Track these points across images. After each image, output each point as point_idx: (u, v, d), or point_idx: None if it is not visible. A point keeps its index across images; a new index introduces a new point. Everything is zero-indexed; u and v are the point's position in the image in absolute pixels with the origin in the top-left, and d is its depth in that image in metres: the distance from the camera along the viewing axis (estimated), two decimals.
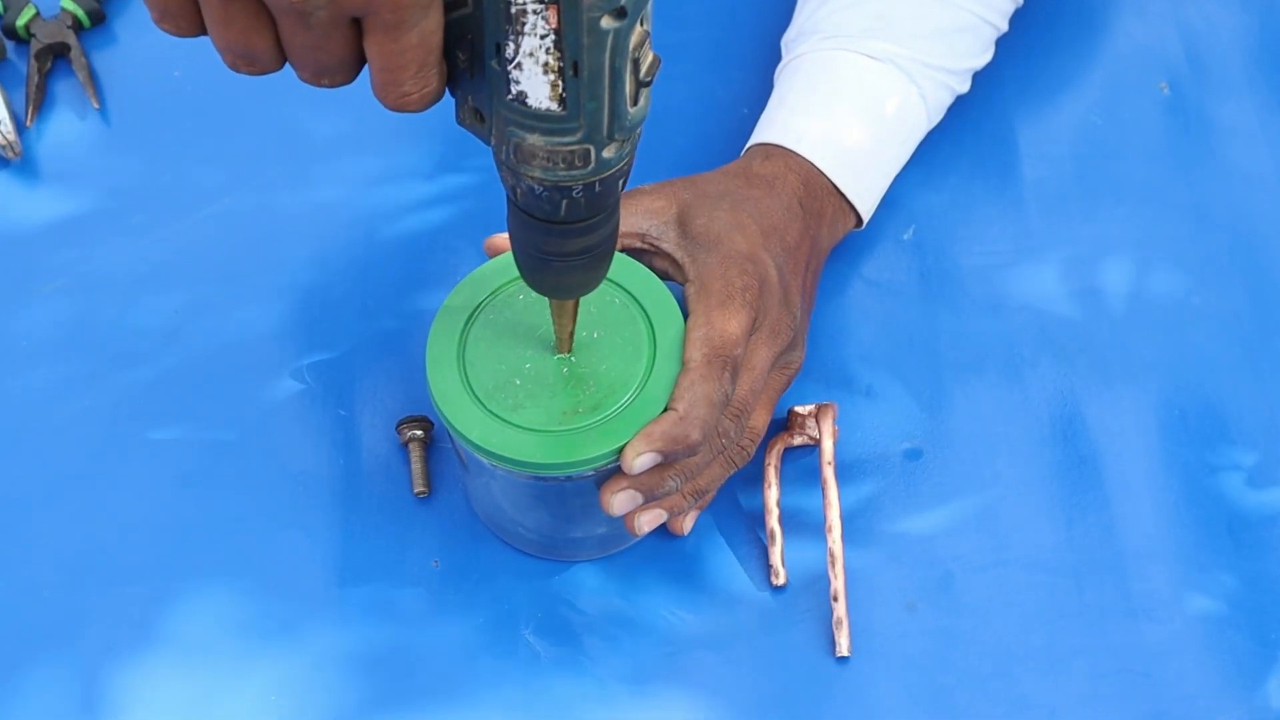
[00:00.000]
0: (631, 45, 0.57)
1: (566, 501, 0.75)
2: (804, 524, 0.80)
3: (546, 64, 0.57)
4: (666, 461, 0.72)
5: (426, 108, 0.61)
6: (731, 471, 0.76)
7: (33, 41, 0.96)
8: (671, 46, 0.97)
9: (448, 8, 0.59)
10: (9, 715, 0.77)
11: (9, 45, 0.98)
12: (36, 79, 0.96)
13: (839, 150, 0.83)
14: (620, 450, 0.71)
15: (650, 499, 0.73)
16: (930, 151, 0.91)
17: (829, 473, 0.79)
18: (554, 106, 0.58)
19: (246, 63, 0.60)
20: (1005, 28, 0.90)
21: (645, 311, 0.74)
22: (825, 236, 0.82)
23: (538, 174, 0.61)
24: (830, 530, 0.79)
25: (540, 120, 0.59)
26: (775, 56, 0.90)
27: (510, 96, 0.59)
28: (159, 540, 0.81)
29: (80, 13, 0.98)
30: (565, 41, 0.56)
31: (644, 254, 0.77)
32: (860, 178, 0.83)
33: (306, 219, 0.91)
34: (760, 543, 0.80)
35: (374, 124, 0.93)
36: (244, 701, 0.77)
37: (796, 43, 0.87)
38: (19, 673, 0.78)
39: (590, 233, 0.65)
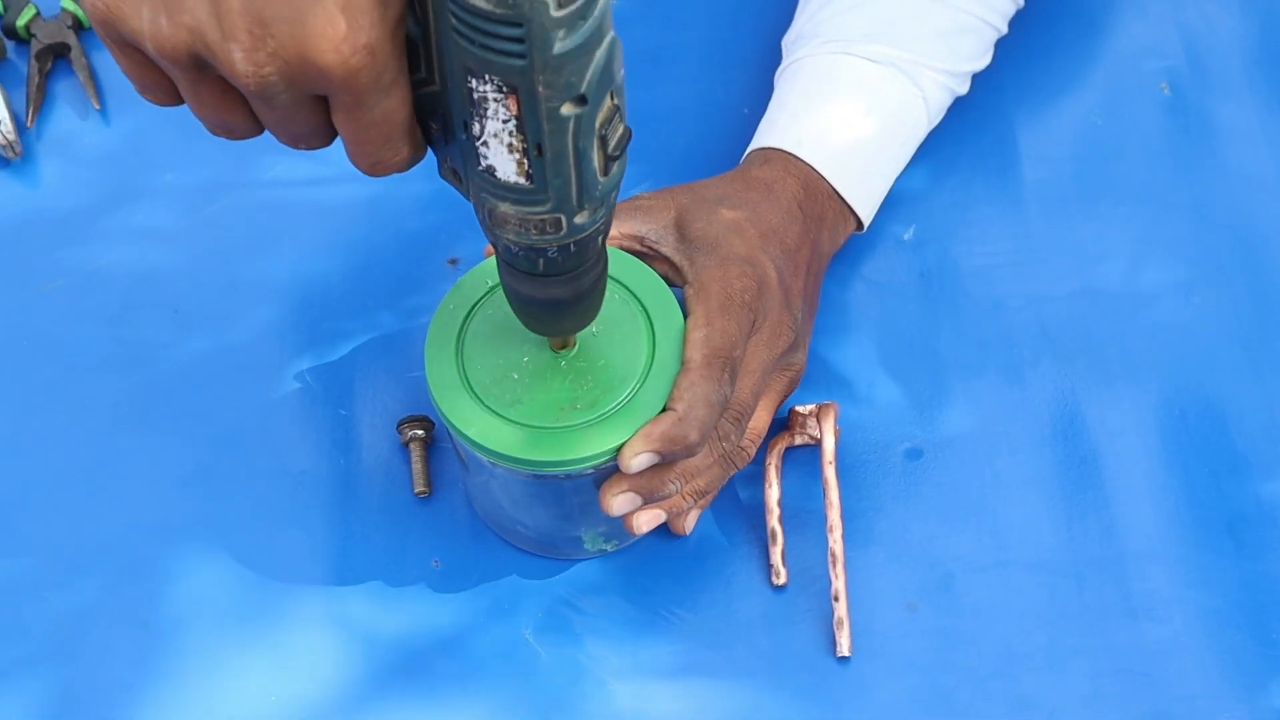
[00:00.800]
0: (598, 124, 0.57)
1: (565, 500, 0.75)
2: (805, 523, 0.80)
3: (510, 145, 0.57)
4: (665, 462, 0.72)
5: (404, 170, 0.62)
6: (732, 473, 0.76)
7: (33, 41, 0.96)
8: (672, 46, 0.97)
9: (416, 84, 0.59)
10: (8, 715, 0.77)
11: (9, 45, 0.98)
12: (37, 79, 0.96)
13: (838, 154, 0.83)
14: (619, 449, 0.71)
15: (650, 500, 0.73)
16: (930, 151, 0.91)
17: (830, 472, 0.79)
18: (522, 181, 0.59)
19: (225, 131, 0.61)
20: (1005, 30, 0.90)
21: (646, 309, 0.74)
22: (826, 240, 0.82)
23: (512, 237, 0.62)
24: (831, 530, 0.79)
25: (510, 191, 0.59)
26: (775, 57, 0.90)
27: (480, 168, 0.59)
28: (158, 539, 0.81)
29: (80, 13, 0.98)
30: (527, 127, 0.56)
31: (643, 258, 0.77)
32: (860, 181, 0.83)
33: (307, 219, 0.91)
34: (761, 542, 0.80)
35: None
36: (244, 701, 0.77)
37: (797, 45, 0.87)
38: (19, 672, 0.78)
39: (574, 281, 0.65)
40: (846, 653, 0.77)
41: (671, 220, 0.77)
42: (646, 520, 0.74)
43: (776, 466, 0.81)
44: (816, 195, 0.82)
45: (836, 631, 0.77)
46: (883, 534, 0.80)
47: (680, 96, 0.95)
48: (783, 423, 0.82)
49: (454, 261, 0.78)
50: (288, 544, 0.81)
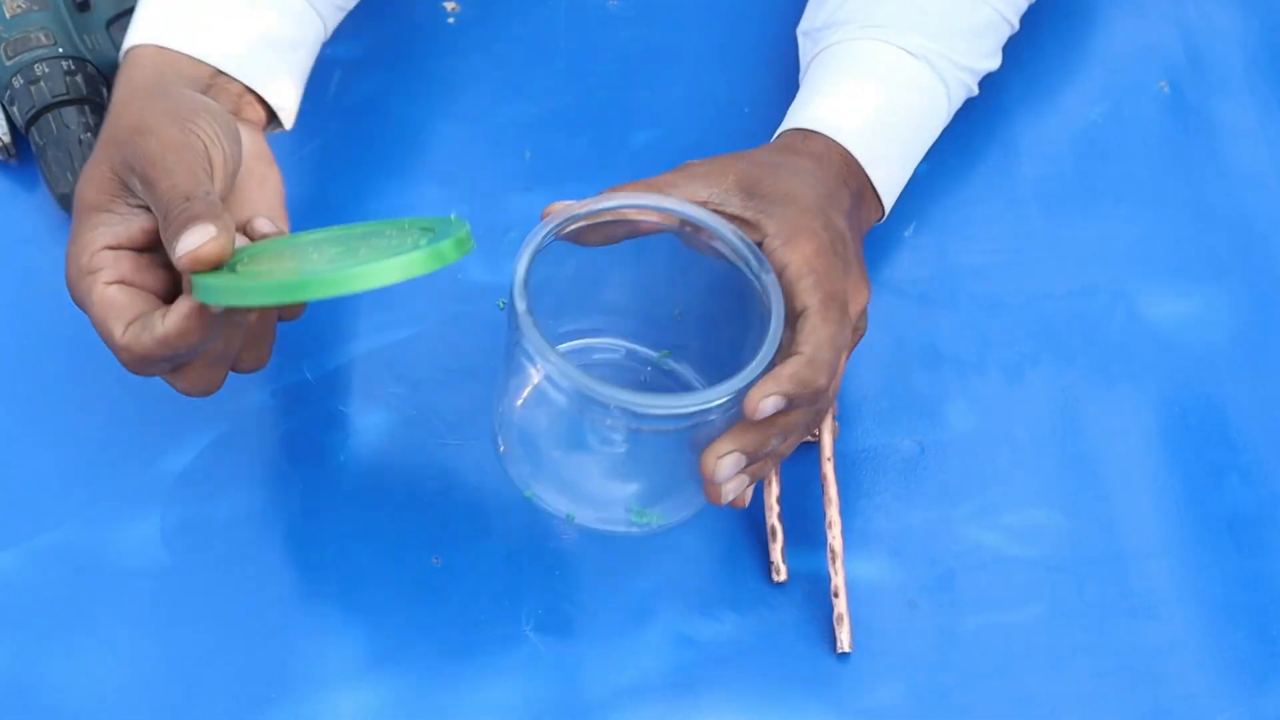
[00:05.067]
0: None
1: (636, 448, 0.73)
2: (805, 521, 0.80)
3: None
4: (789, 408, 0.70)
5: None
6: (805, 436, 0.75)
7: None
8: (672, 46, 0.97)
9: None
10: (9, 714, 0.77)
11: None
12: None
13: (873, 142, 0.82)
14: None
15: (751, 461, 0.72)
16: (931, 151, 0.91)
17: (829, 469, 0.79)
18: None
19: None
20: (1017, 27, 0.90)
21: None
22: (863, 218, 0.82)
23: None
24: (831, 527, 0.79)
25: None
26: (775, 55, 0.90)
27: None
28: (157, 539, 0.81)
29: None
30: None
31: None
32: (890, 172, 0.83)
33: (305, 217, 0.91)
34: (761, 539, 0.80)
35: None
36: (243, 700, 0.77)
37: (828, 31, 0.86)
38: (19, 672, 0.78)
39: None
40: (846, 649, 0.77)
41: (733, 183, 0.76)
42: (733, 488, 0.72)
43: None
44: (856, 173, 0.81)
45: (836, 628, 0.77)
46: (882, 531, 0.80)
47: (680, 96, 0.95)
48: None
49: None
50: (285, 544, 0.81)
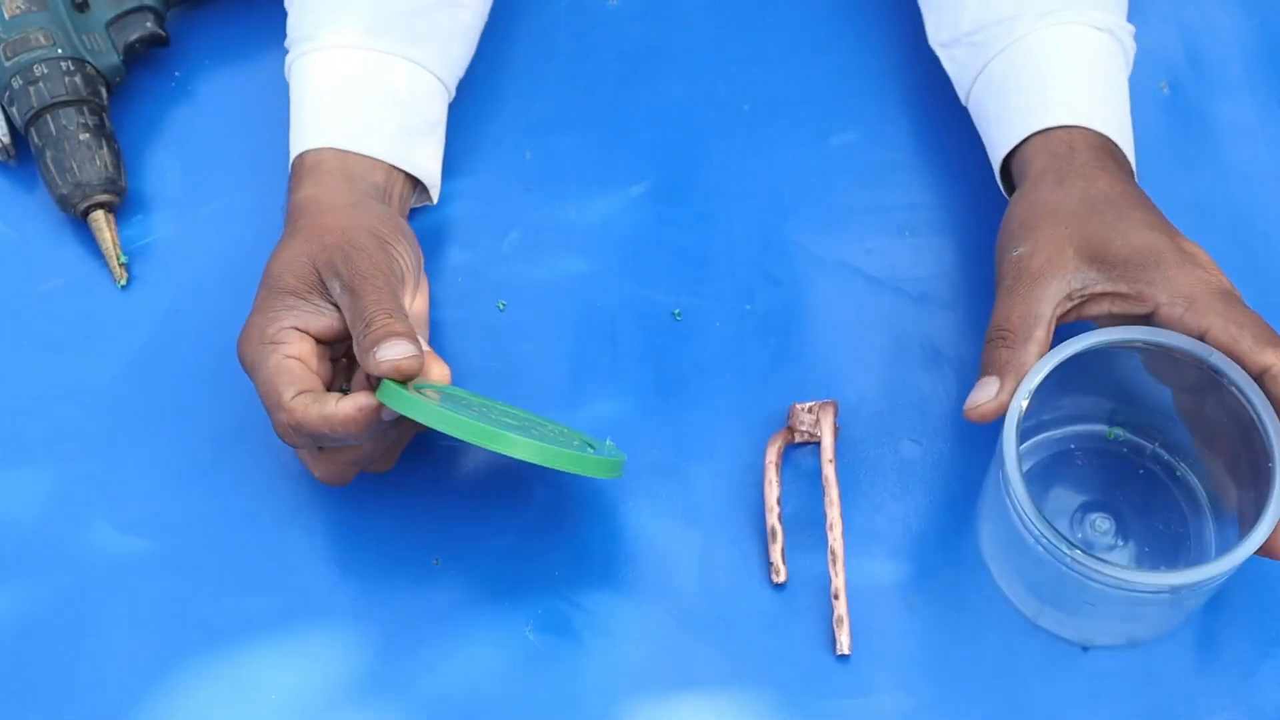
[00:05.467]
0: None
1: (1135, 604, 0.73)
2: (805, 522, 0.80)
3: None
4: None
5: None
6: None
7: None
8: (672, 46, 0.97)
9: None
10: (9, 715, 0.77)
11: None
12: None
13: (1116, 123, 0.82)
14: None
15: None
16: (930, 150, 0.91)
17: (830, 470, 0.79)
18: None
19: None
20: None
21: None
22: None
23: None
24: (831, 528, 0.79)
25: None
26: (775, 55, 0.90)
27: None
28: (158, 538, 0.81)
29: None
30: None
31: (1075, 310, 0.76)
32: (1130, 145, 0.83)
33: None
34: (761, 540, 0.80)
35: None
36: (242, 700, 0.77)
37: (994, 29, 0.84)
38: (19, 672, 0.78)
39: None
40: (846, 651, 0.77)
41: (1077, 257, 0.76)
42: None
43: (776, 464, 0.81)
44: (1124, 162, 0.81)
45: (836, 630, 0.77)
46: (882, 532, 0.80)
47: (680, 96, 0.95)
48: (782, 420, 0.82)
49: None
50: (287, 543, 0.81)
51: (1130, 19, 0.86)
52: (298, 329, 0.77)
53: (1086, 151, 0.80)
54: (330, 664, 0.77)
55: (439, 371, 0.78)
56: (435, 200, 0.90)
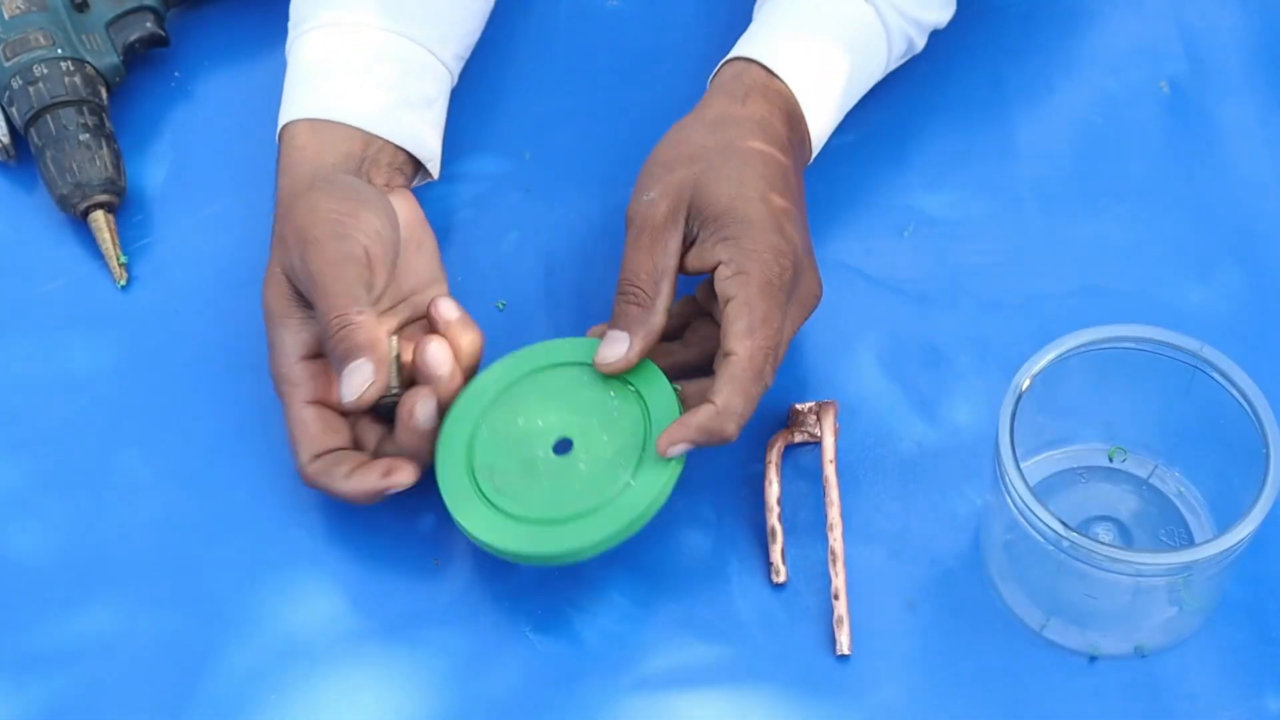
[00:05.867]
0: None
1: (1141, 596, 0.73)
2: (805, 522, 0.80)
3: None
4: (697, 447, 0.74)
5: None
6: None
7: None
8: (672, 46, 0.97)
9: None
10: (10, 714, 0.76)
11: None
12: None
13: (812, 86, 0.82)
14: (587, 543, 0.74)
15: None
16: (930, 150, 0.91)
17: (830, 470, 0.79)
18: None
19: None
20: None
21: (646, 405, 0.77)
22: (801, 166, 0.83)
23: None
24: (831, 528, 0.78)
25: None
26: None
27: None
28: (158, 539, 0.81)
29: None
30: None
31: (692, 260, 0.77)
32: (824, 115, 0.83)
33: None
34: (761, 540, 0.80)
35: None
36: (242, 700, 0.77)
37: None
38: (19, 672, 0.78)
39: None
40: (846, 651, 0.77)
41: (677, 199, 0.77)
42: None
43: (776, 464, 0.80)
44: (795, 122, 0.82)
45: (836, 630, 0.77)
46: (882, 532, 0.80)
47: (680, 96, 0.95)
48: (783, 420, 0.82)
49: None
50: (288, 543, 0.81)
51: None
52: (304, 357, 0.78)
53: (750, 87, 0.81)
54: (330, 664, 0.77)
55: (469, 339, 0.78)
56: (436, 176, 0.88)
